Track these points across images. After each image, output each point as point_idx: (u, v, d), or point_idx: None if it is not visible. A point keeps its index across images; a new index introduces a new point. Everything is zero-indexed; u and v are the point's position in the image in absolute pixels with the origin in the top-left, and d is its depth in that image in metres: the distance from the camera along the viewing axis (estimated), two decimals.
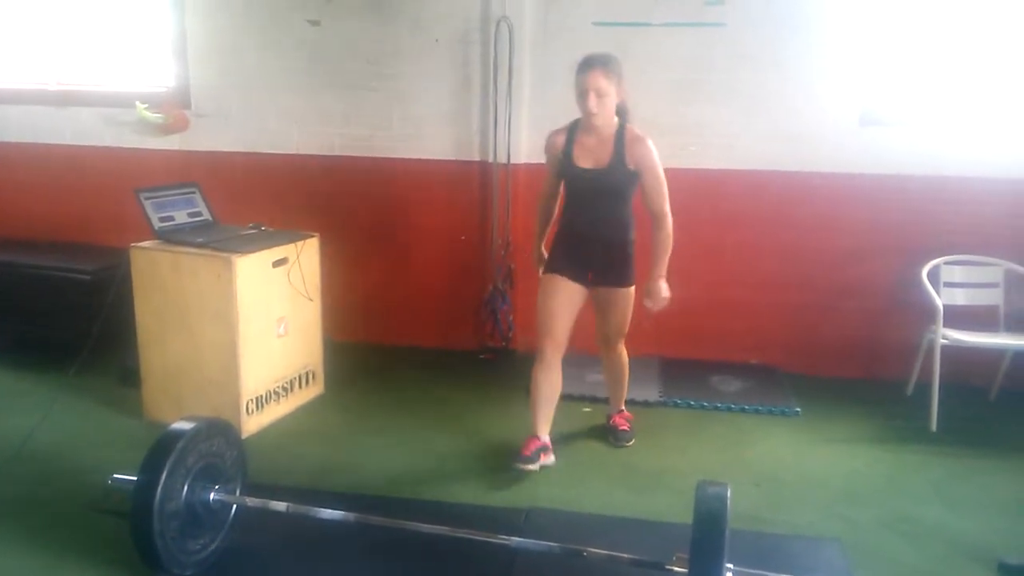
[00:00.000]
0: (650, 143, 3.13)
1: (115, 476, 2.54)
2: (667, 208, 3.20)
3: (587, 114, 3.07)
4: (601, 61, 3.04)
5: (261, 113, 4.73)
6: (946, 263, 4.04)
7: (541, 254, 3.44)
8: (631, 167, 3.13)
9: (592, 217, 3.22)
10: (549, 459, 3.29)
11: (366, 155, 4.63)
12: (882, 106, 4.16)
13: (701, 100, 4.26)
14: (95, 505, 2.72)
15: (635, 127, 3.17)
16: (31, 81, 5.07)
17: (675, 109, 4.28)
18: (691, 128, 4.29)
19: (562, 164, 3.21)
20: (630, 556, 2.30)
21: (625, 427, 3.63)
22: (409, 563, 2.63)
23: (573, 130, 3.21)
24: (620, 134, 3.13)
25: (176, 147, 4.84)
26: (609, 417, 3.70)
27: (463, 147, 4.54)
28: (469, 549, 2.51)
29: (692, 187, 4.34)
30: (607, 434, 3.63)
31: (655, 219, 3.22)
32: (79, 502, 2.94)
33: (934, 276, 3.99)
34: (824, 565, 2.60)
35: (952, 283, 4.03)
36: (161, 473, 2.37)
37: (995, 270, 4.04)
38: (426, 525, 2.49)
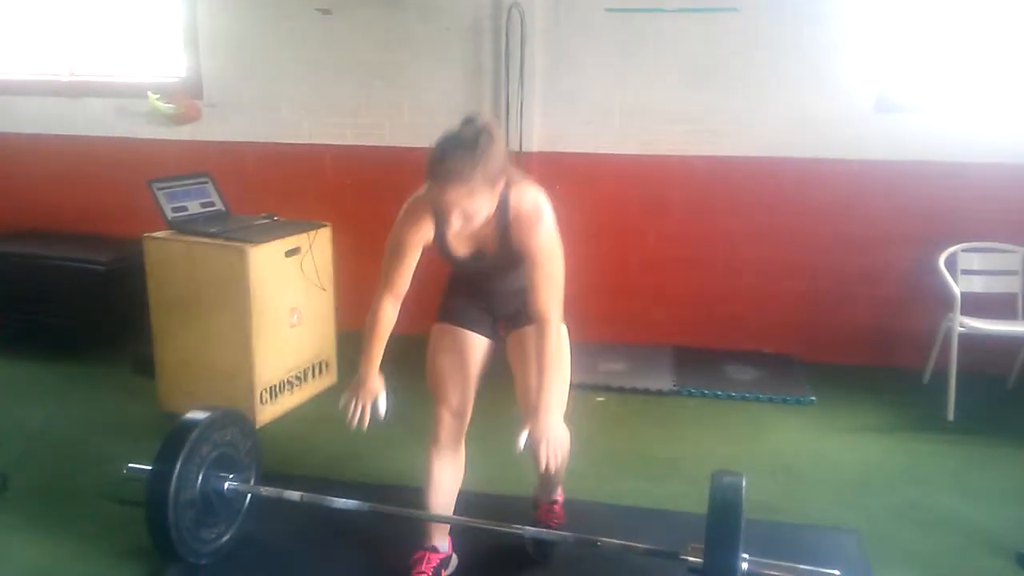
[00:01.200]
0: (544, 222, 2.19)
1: (131, 465, 2.54)
2: (555, 310, 2.23)
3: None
4: (459, 171, 2.02)
5: (272, 103, 4.73)
6: (963, 250, 3.99)
7: (376, 382, 2.46)
8: (518, 252, 2.24)
9: (490, 287, 2.44)
10: (451, 568, 2.55)
11: (378, 144, 4.62)
12: (898, 91, 4.11)
13: (714, 86, 4.22)
14: (111, 494, 2.73)
15: (523, 189, 2.21)
16: (44, 72, 5.08)
17: (688, 95, 4.25)
18: (704, 115, 4.25)
19: (437, 246, 2.32)
20: (644, 546, 2.28)
21: (552, 524, 2.66)
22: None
23: (440, 212, 2.19)
24: (503, 209, 2.19)
25: (188, 137, 4.84)
26: (535, 504, 2.73)
27: None
28: (481, 538, 2.50)
29: (705, 174, 4.33)
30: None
31: (537, 321, 2.24)
32: (95, 491, 2.96)
33: (951, 263, 3.95)
34: (840, 554, 2.58)
35: (969, 270, 3.99)
36: (176, 463, 2.38)
37: (1013, 257, 3.99)
38: (439, 514, 2.47)
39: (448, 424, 2.44)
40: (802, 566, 2.18)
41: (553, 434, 2.20)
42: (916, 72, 4.14)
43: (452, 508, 2.47)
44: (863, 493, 3.09)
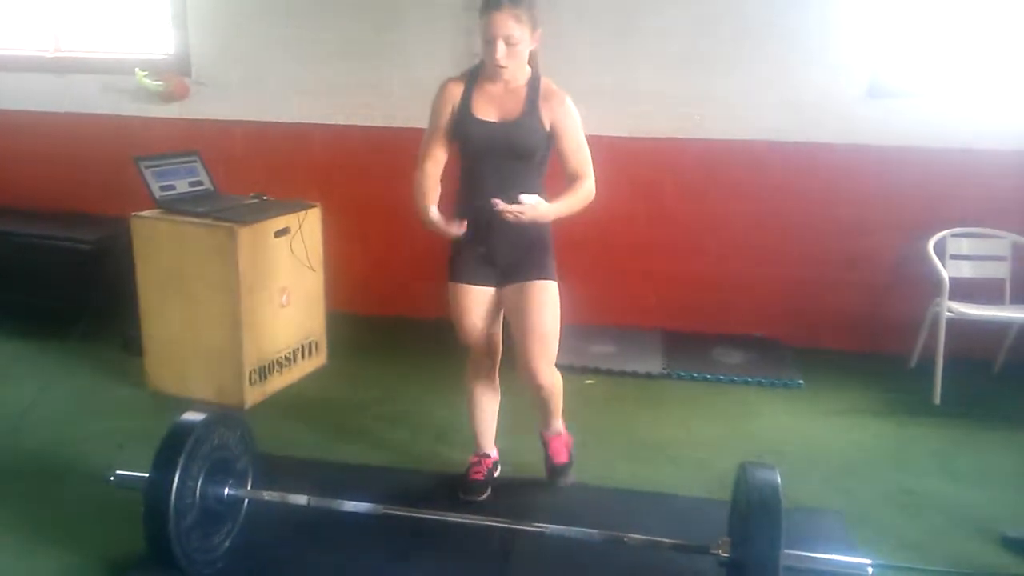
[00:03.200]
0: (570, 101, 2.58)
1: (118, 472, 2.45)
2: (587, 170, 2.59)
3: (493, 66, 2.49)
4: (511, 0, 2.42)
5: (262, 81, 4.68)
6: (953, 235, 4.01)
7: (437, 217, 2.56)
8: (546, 126, 2.55)
9: (494, 189, 2.50)
10: (497, 472, 2.99)
11: (368, 124, 4.58)
12: (890, 77, 4.10)
13: (706, 71, 4.20)
14: (97, 474, 2.71)
15: (552, 82, 2.61)
16: (29, 48, 5.01)
17: (680, 80, 4.23)
18: (696, 99, 4.23)
19: (458, 118, 2.57)
20: (673, 541, 2.27)
21: (563, 458, 2.99)
22: (419, 541, 2.61)
23: (473, 78, 2.60)
24: (534, 85, 2.56)
25: (176, 115, 4.79)
26: (543, 439, 3.01)
27: None
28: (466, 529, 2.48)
29: (696, 158, 4.32)
30: (544, 464, 3.01)
31: (573, 180, 2.58)
32: (82, 471, 2.95)
33: (940, 248, 3.96)
34: (825, 537, 2.59)
35: (958, 255, 4.00)
36: (171, 486, 2.25)
37: (1002, 243, 4.01)
38: (452, 515, 2.46)
39: (479, 362, 2.82)
40: (834, 556, 2.21)
41: (530, 210, 2.44)
42: (908, 58, 4.13)
43: (495, 424, 2.94)
44: (849, 476, 3.11)
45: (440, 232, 2.56)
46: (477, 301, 2.70)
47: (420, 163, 2.60)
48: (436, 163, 2.60)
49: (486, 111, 2.55)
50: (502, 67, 2.47)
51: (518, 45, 2.44)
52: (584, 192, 2.57)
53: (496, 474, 2.97)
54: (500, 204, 2.40)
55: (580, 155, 2.58)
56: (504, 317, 2.77)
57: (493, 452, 2.98)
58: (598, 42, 4.26)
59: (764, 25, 4.11)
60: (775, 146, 4.22)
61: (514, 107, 2.54)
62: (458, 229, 2.54)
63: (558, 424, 2.96)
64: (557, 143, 2.57)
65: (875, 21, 4.03)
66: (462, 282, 2.70)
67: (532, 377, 2.69)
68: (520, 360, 2.68)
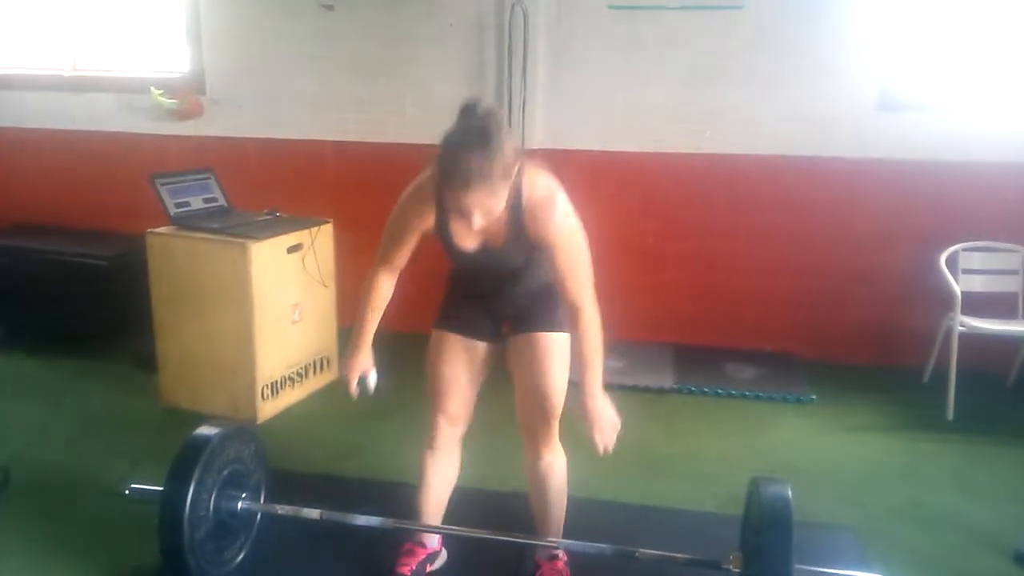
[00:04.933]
0: (559, 207, 2.10)
1: (133, 486, 2.48)
2: (587, 297, 2.18)
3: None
4: (478, 171, 1.88)
5: (276, 99, 4.73)
6: (964, 249, 4.00)
7: (366, 357, 2.40)
8: (536, 243, 2.16)
9: (491, 289, 2.35)
10: (438, 564, 2.56)
11: (380, 140, 4.62)
12: (901, 90, 4.11)
13: (717, 84, 4.22)
14: (111, 490, 2.73)
15: (532, 177, 2.11)
16: (47, 67, 5.08)
17: (691, 94, 4.25)
18: (707, 113, 4.25)
19: (438, 236, 2.23)
20: (685, 556, 2.26)
21: None
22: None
23: (445, 201, 2.06)
24: (516, 204, 2.08)
25: (191, 133, 4.84)
26: (534, 564, 2.49)
27: None
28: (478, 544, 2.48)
29: (707, 172, 4.33)
30: None
31: (571, 310, 2.20)
32: (96, 487, 2.97)
33: (952, 262, 3.95)
34: (839, 553, 2.58)
35: (970, 270, 3.99)
36: (186, 498, 2.26)
37: (1014, 256, 4.00)
38: (464, 530, 2.45)
39: (444, 431, 2.42)
40: (847, 572, 2.21)
41: (604, 416, 2.19)
42: (919, 71, 4.13)
43: (443, 508, 2.47)
44: (863, 492, 3.10)
45: (348, 373, 2.37)
46: (470, 356, 2.39)
47: (374, 269, 2.32)
48: (393, 271, 2.33)
49: (466, 240, 2.19)
50: (478, 229, 2.03)
51: (497, 209, 1.98)
52: (592, 333, 2.19)
53: (433, 567, 2.52)
54: (599, 443, 2.18)
55: (576, 275, 2.16)
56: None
57: (433, 543, 2.51)
58: (609, 57, 4.29)
59: (775, 39, 4.12)
60: (786, 160, 4.23)
61: (497, 232, 2.14)
62: (366, 389, 2.38)
63: (557, 535, 2.44)
64: (550, 259, 2.17)
65: (886, 34, 4.04)
66: (453, 332, 2.39)
67: (540, 453, 2.38)
68: (530, 432, 2.38)
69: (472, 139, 1.92)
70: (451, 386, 2.39)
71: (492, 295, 2.36)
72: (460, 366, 2.39)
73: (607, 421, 2.19)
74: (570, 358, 2.32)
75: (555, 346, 2.30)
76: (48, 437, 3.41)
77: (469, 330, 2.39)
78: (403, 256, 2.28)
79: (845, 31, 4.06)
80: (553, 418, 2.35)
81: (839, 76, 4.11)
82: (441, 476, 2.44)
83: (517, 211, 2.10)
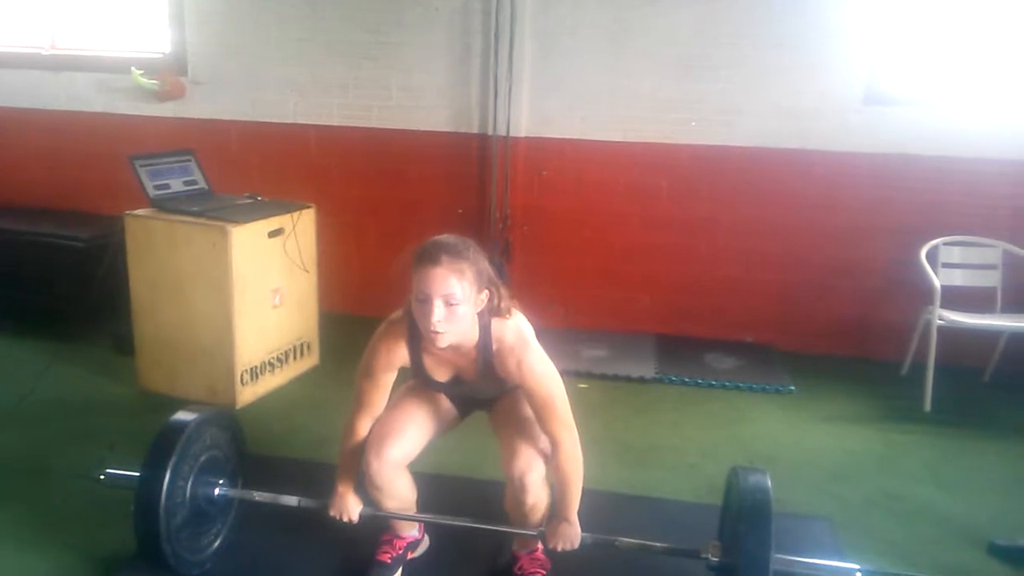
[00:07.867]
0: (529, 348, 2.14)
1: (108, 471, 2.44)
2: (564, 431, 2.19)
3: (427, 331, 2.03)
4: (451, 250, 1.99)
5: (259, 81, 4.68)
6: (945, 243, 4.02)
7: (353, 500, 2.32)
8: (508, 380, 2.22)
9: (469, 409, 2.50)
10: (420, 551, 2.57)
11: (364, 125, 4.59)
12: (886, 84, 4.12)
13: (703, 75, 4.21)
14: (87, 475, 2.71)
15: (506, 322, 2.15)
16: (25, 45, 5.00)
17: (676, 84, 4.24)
18: (692, 103, 4.25)
19: (412, 372, 2.28)
20: (663, 544, 2.27)
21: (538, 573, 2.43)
22: None
23: (415, 333, 2.14)
24: (484, 347, 2.14)
25: (171, 114, 4.79)
26: (513, 559, 2.48)
27: (462, 119, 4.49)
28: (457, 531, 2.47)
29: (691, 163, 4.33)
30: None
31: (551, 443, 2.22)
32: (73, 469, 2.93)
33: (932, 256, 3.97)
34: (814, 542, 2.60)
35: (950, 264, 4.01)
36: (162, 485, 2.24)
37: (994, 251, 4.03)
38: (444, 517, 2.43)
39: (375, 468, 2.27)
40: (823, 561, 2.22)
41: (568, 537, 2.24)
42: (904, 66, 4.15)
43: (415, 503, 2.42)
44: (839, 482, 3.12)
45: (341, 514, 2.32)
46: (434, 406, 2.39)
47: (352, 416, 2.30)
48: (371, 416, 2.29)
49: (440, 372, 2.26)
50: (438, 333, 2.01)
51: (459, 306, 1.99)
52: (572, 466, 2.21)
53: (415, 555, 2.55)
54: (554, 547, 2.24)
55: (552, 413, 2.17)
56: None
57: (414, 531, 2.52)
58: (596, 46, 4.27)
59: (760, 31, 4.12)
60: (770, 152, 4.24)
61: (468, 367, 2.21)
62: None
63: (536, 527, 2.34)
64: (526, 397, 2.22)
65: (872, 28, 4.05)
66: (433, 390, 2.34)
67: (559, 450, 2.23)
68: (509, 474, 2.27)
69: (449, 236, 2.07)
70: (402, 427, 2.32)
71: (469, 410, 2.49)
72: (423, 413, 2.38)
73: (570, 541, 2.24)
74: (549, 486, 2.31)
75: (542, 379, 2.18)
76: (23, 419, 3.38)
77: (445, 394, 2.40)
78: (380, 400, 2.28)
79: (831, 25, 4.06)
80: (565, 410, 2.23)
81: (824, 69, 4.12)
82: (395, 499, 2.36)
83: (487, 352, 2.16)
